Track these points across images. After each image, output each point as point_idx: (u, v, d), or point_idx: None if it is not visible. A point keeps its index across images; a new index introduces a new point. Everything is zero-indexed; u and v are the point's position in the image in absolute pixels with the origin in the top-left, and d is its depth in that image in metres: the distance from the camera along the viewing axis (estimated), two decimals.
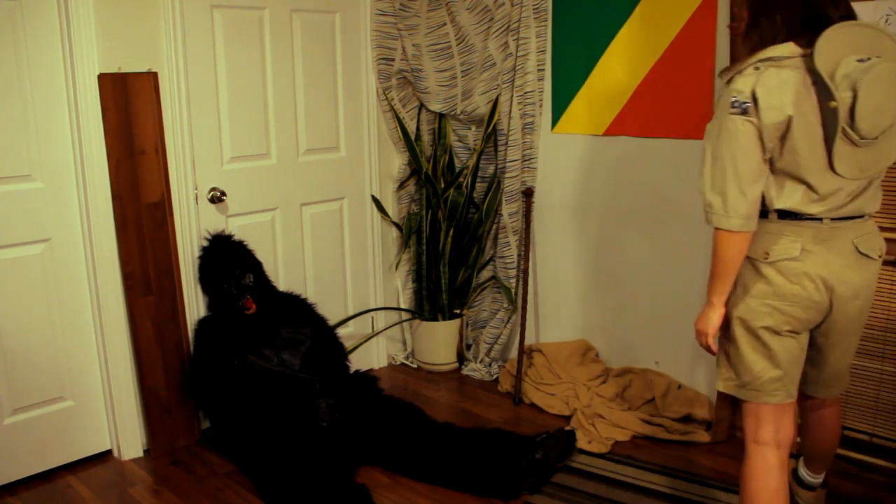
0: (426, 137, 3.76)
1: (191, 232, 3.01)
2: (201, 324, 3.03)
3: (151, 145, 2.83)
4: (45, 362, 2.77)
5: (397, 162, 3.76)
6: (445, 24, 3.51)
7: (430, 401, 3.40)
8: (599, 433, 2.96)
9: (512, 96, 3.38)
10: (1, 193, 2.59)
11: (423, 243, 3.71)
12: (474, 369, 3.70)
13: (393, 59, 3.59)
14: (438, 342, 3.73)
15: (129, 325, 2.87)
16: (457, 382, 3.65)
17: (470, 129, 3.68)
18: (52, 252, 2.74)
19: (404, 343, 3.95)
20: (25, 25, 2.57)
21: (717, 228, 1.78)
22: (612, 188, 3.27)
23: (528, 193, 3.47)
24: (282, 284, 3.34)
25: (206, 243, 3.03)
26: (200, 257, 3.04)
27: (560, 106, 3.38)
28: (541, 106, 3.43)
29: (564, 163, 3.42)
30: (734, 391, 1.94)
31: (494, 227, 3.64)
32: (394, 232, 3.81)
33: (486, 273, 3.77)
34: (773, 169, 1.78)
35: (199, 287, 3.08)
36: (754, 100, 1.70)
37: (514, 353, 3.66)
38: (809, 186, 1.76)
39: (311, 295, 3.43)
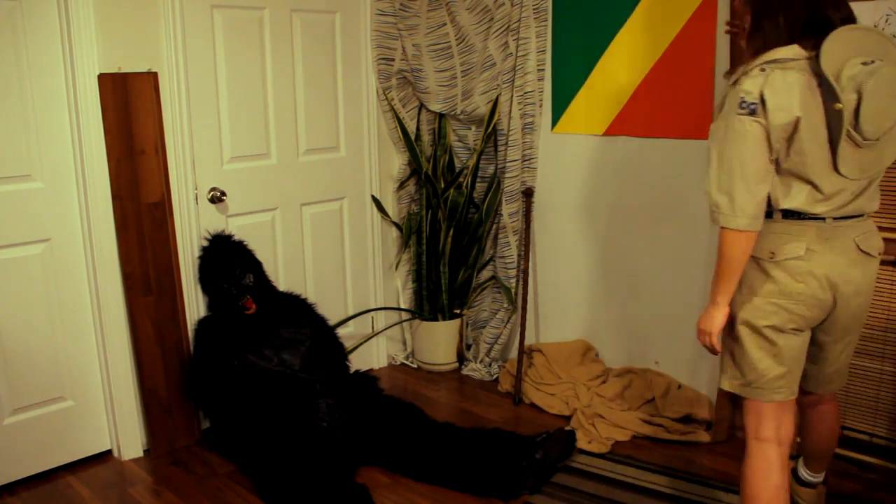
0: (426, 137, 3.76)
1: (191, 232, 3.01)
2: (201, 324, 3.03)
3: (151, 145, 2.83)
4: (45, 362, 2.77)
5: (397, 162, 3.76)
6: (445, 24, 3.51)
7: (430, 401, 3.40)
8: (599, 433, 2.96)
9: (512, 96, 3.38)
10: (1, 193, 2.59)
11: (423, 243, 3.71)
12: (474, 369, 3.70)
13: (393, 59, 3.59)
14: (438, 342, 3.73)
15: (129, 325, 2.87)
16: (457, 382, 3.65)
17: (470, 129, 3.68)
18: (52, 252, 2.74)
19: (404, 343, 3.95)
20: (25, 25, 2.57)
21: (723, 228, 1.80)
22: (612, 188, 3.27)
23: (528, 193, 3.47)
24: (282, 284, 3.34)
25: (206, 243, 3.03)
26: (200, 257, 3.04)
27: (560, 106, 3.38)
28: (541, 106, 3.43)
29: (564, 163, 3.42)
30: (739, 390, 1.95)
31: (494, 227, 3.64)
32: (394, 232, 3.81)
33: (486, 273, 3.77)
34: (779, 169, 1.80)
35: (199, 287, 3.08)
36: (762, 101, 1.71)
37: (514, 353, 3.66)
38: (815, 187, 1.78)
39: (311, 295, 3.43)
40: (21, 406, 2.73)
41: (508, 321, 3.62)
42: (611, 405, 3.12)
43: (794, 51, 1.73)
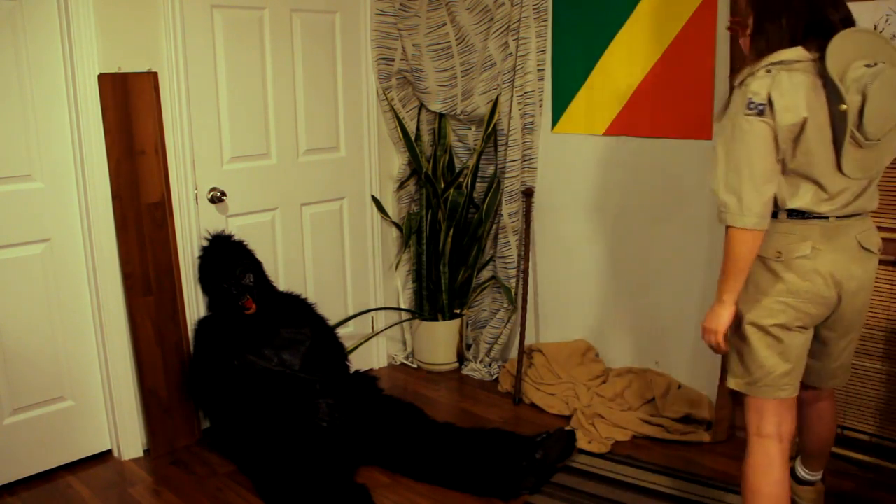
0: (426, 137, 3.76)
1: (191, 232, 3.01)
2: (201, 324, 3.03)
3: (151, 145, 2.83)
4: (45, 362, 2.77)
5: (397, 162, 3.76)
6: (445, 24, 3.51)
7: (430, 401, 3.40)
8: (599, 433, 2.96)
9: (512, 96, 3.38)
10: (1, 193, 2.59)
11: (423, 243, 3.71)
12: (474, 369, 3.70)
13: (393, 59, 3.59)
14: (438, 342, 3.73)
15: (129, 325, 2.87)
16: (457, 382, 3.65)
17: (470, 129, 3.68)
18: (52, 252, 2.74)
19: (404, 343, 3.95)
20: (25, 25, 2.57)
21: (731, 227, 1.81)
22: (611, 188, 3.27)
23: (527, 193, 3.47)
24: (282, 284, 3.34)
25: (206, 243, 3.03)
26: (200, 257, 3.04)
27: (560, 106, 3.38)
28: (541, 106, 3.43)
29: (564, 163, 3.42)
30: (745, 389, 1.97)
31: (494, 227, 3.64)
32: (394, 232, 3.81)
33: (486, 273, 3.77)
34: (785, 169, 1.82)
35: (199, 287, 3.08)
36: (769, 102, 1.74)
37: (514, 353, 3.66)
38: (820, 186, 1.82)
39: (311, 295, 3.43)
40: (21, 406, 2.73)
41: (508, 321, 3.62)
42: (611, 405, 3.12)
43: (798, 52, 1.76)
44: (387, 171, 3.74)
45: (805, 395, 2.14)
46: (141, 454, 2.96)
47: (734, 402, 2.85)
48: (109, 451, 2.97)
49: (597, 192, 3.33)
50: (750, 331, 1.91)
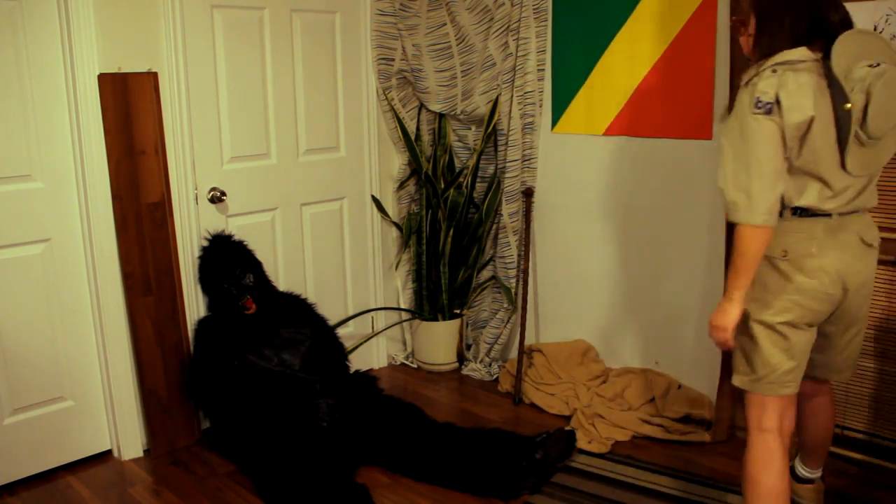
0: (426, 137, 3.76)
1: (191, 232, 3.01)
2: (201, 324, 3.03)
3: (151, 145, 2.83)
4: (45, 362, 2.77)
5: (397, 162, 3.76)
6: (445, 24, 3.51)
7: (430, 401, 3.40)
8: (599, 433, 2.96)
9: (512, 96, 3.38)
10: (1, 193, 2.59)
11: (423, 243, 3.71)
12: (474, 369, 3.70)
13: (393, 59, 3.59)
14: (438, 342, 3.73)
15: (129, 325, 2.87)
16: (457, 382, 3.65)
17: (470, 129, 3.68)
18: (52, 252, 2.74)
19: (404, 343, 3.95)
20: (25, 25, 2.57)
21: (741, 224, 1.83)
22: (611, 188, 3.27)
23: (528, 193, 3.47)
24: (282, 284, 3.34)
25: (206, 243, 3.03)
26: (200, 257, 3.04)
27: (560, 106, 3.38)
28: (541, 106, 3.43)
29: (564, 163, 3.42)
30: (749, 386, 1.99)
31: (494, 227, 3.64)
32: (394, 232, 3.81)
33: (486, 273, 3.77)
34: (791, 168, 1.85)
35: (199, 287, 3.08)
36: (777, 101, 1.76)
37: (514, 353, 3.66)
38: (825, 184, 1.85)
39: (311, 295, 3.43)
40: (21, 406, 2.73)
41: (508, 321, 3.62)
42: (611, 405, 3.12)
43: (802, 53, 1.79)
44: (387, 171, 3.74)
45: (805, 389, 2.15)
46: (141, 454, 2.96)
47: (734, 401, 2.85)
48: (109, 451, 2.97)
49: (597, 192, 3.33)
50: (757, 329, 1.93)
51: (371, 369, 3.76)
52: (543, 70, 3.39)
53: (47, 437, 2.80)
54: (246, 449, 2.78)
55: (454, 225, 3.60)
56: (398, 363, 3.89)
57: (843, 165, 1.82)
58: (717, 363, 2.92)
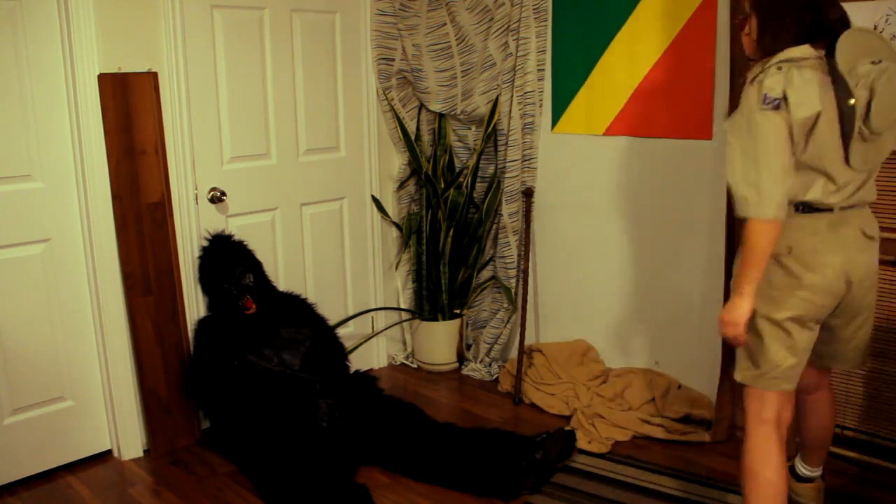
0: (426, 137, 3.76)
1: (191, 232, 3.01)
2: (201, 324, 3.03)
3: (151, 145, 2.83)
4: (45, 362, 2.77)
5: (397, 162, 3.76)
6: (445, 24, 3.51)
7: (430, 401, 3.40)
8: (599, 433, 2.96)
9: (512, 96, 3.38)
10: (1, 193, 2.59)
11: (423, 243, 3.71)
12: (474, 369, 3.70)
13: (393, 59, 3.59)
14: (438, 342, 3.73)
15: (129, 325, 2.87)
16: (457, 382, 3.65)
17: (470, 129, 3.68)
18: (52, 252, 2.74)
19: (404, 343, 3.95)
20: (25, 25, 2.57)
21: (751, 219, 1.84)
22: (611, 188, 3.27)
23: (528, 193, 3.47)
24: (282, 284, 3.34)
25: (206, 243, 3.03)
26: (200, 257, 3.04)
27: (560, 106, 3.38)
28: (541, 106, 3.43)
29: (564, 163, 3.42)
30: (751, 381, 2.01)
31: (494, 227, 3.64)
32: (394, 232, 3.81)
33: (486, 273, 3.77)
34: (796, 163, 1.87)
35: (199, 287, 3.08)
36: (785, 97, 1.79)
37: (514, 353, 3.66)
38: (830, 178, 1.87)
39: (311, 295, 3.43)
40: (21, 406, 2.73)
41: (508, 321, 3.62)
42: (611, 405, 3.12)
43: (805, 50, 1.82)
44: (387, 171, 3.74)
45: (807, 380, 2.15)
46: (141, 454, 2.96)
47: (734, 401, 2.84)
48: (109, 451, 2.97)
49: (597, 192, 3.33)
50: (762, 325, 1.95)
51: (371, 369, 3.76)
52: (543, 70, 3.39)
53: (47, 437, 2.80)
54: (246, 449, 2.78)
55: (454, 225, 3.60)
56: (398, 363, 3.89)
57: (846, 160, 1.85)
58: (718, 363, 2.92)
